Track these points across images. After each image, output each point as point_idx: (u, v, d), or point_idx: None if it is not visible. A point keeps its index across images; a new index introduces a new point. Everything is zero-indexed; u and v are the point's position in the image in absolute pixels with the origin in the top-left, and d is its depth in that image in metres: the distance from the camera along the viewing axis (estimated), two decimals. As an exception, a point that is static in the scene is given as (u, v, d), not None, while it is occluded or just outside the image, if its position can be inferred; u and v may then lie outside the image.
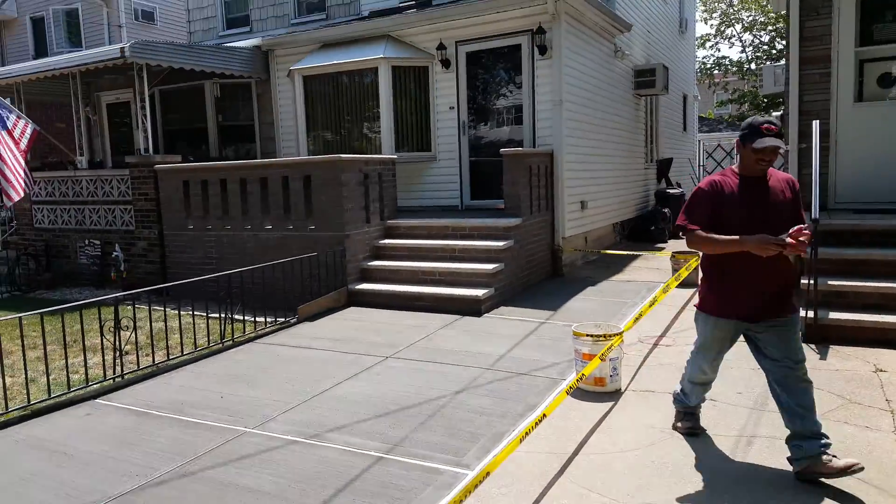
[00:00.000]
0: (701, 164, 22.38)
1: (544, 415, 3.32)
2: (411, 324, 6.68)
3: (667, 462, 3.41)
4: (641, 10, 13.02)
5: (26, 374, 4.77)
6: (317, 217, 7.95)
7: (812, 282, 5.34)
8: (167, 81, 11.96)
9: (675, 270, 7.86)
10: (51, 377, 4.96)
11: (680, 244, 12.10)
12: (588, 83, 10.06)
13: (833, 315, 5.39)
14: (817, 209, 5.21)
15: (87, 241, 10.00)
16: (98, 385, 5.03)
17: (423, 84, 10.08)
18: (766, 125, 3.19)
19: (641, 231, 13.00)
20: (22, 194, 8.93)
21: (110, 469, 3.64)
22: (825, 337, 5.35)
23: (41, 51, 19.06)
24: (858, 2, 7.14)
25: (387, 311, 7.28)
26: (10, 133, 8.99)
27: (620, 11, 11.32)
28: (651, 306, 5.47)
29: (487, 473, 2.84)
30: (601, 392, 4.44)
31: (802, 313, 5.46)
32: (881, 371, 4.65)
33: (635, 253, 10.48)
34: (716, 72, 36.87)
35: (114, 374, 5.19)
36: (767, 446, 3.54)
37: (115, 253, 9.36)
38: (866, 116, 7.10)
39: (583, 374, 3.85)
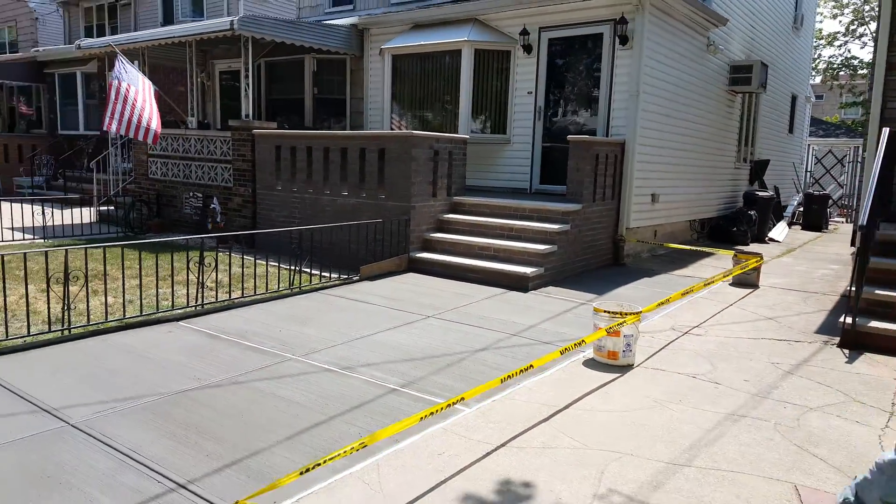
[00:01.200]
0: (808, 169, 21.31)
1: (531, 365, 3.71)
2: (460, 292, 7.15)
3: (646, 424, 3.71)
4: (744, 3, 12.64)
5: (123, 295, 5.66)
6: (387, 188, 8.55)
7: (853, 287, 5.33)
8: (273, 54, 12.96)
9: (743, 268, 7.86)
10: (144, 301, 5.85)
11: (763, 248, 11.83)
12: (672, 76, 10.03)
13: (874, 324, 5.36)
14: (865, 216, 5.18)
15: (191, 193, 11.16)
16: (181, 311, 5.88)
17: (504, 68, 10.44)
18: None
19: (723, 231, 12.79)
20: (151, 137, 9.95)
21: (178, 372, 4.39)
22: (862, 344, 5.34)
23: (168, 19, 20.82)
24: (960, 5, 6.83)
25: (441, 279, 7.79)
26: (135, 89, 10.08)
27: (718, 4, 11.11)
28: (683, 295, 5.66)
29: (462, 398, 3.29)
30: (613, 365, 4.74)
31: (840, 319, 5.48)
32: (903, 378, 4.66)
33: (706, 250, 10.40)
34: (842, 73, 34.55)
35: (195, 303, 6.02)
36: (750, 425, 3.76)
37: (212, 205, 10.42)
38: (953, 126, 6.81)
39: (583, 341, 4.18)
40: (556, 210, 8.23)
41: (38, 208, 11.02)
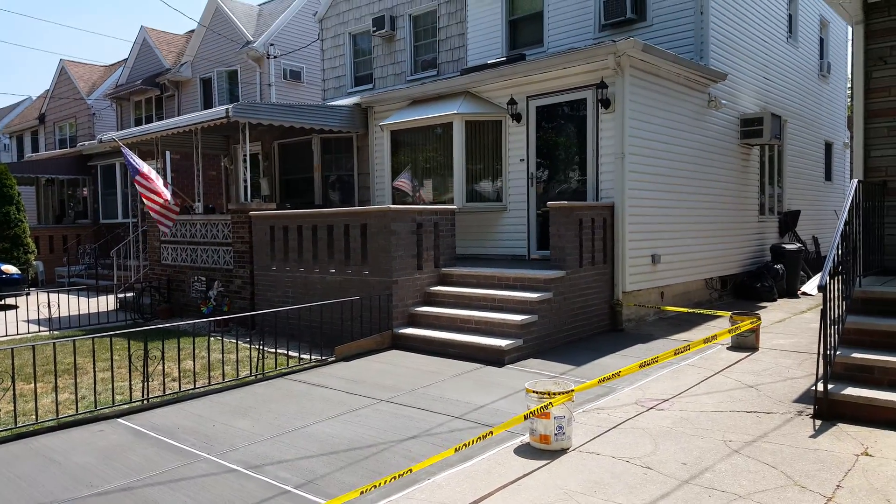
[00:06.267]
0: (854, 216, 20.17)
1: (410, 469, 3.40)
2: (431, 370, 6.87)
3: (538, 527, 3.32)
4: (753, 56, 12.30)
5: (57, 393, 5.63)
6: (370, 263, 8.48)
7: (823, 349, 4.79)
8: (286, 136, 13.45)
9: (732, 332, 7.29)
10: (96, 396, 5.81)
11: (792, 304, 11.05)
12: (665, 135, 9.74)
13: (849, 391, 4.77)
14: (826, 275, 4.69)
15: (196, 277, 11.40)
16: (127, 406, 5.78)
17: (496, 137, 10.43)
18: None
19: (748, 288, 12.10)
20: (169, 225, 10.62)
21: (78, 478, 4.25)
22: (838, 414, 4.75)
23: (208, 106, 22.06)
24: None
25: (421, 356, 7.52)
26: (146, 178, 10.59)
27: (719, 60, 10.81)
28: (641, 367, 5.23)
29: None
30: (545, 450, 4.34)
31: (813, 386, 4.92)
32: (867, 455, 4.05)
33: (711, 313, 9.72)
34: None
35: (142, 397, 5.94)
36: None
37: (210, 291, 10.58)
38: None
39: (491, 432, 3.84)
40: (538, 278, 7.93)
41: (44, 298, 11.41)
